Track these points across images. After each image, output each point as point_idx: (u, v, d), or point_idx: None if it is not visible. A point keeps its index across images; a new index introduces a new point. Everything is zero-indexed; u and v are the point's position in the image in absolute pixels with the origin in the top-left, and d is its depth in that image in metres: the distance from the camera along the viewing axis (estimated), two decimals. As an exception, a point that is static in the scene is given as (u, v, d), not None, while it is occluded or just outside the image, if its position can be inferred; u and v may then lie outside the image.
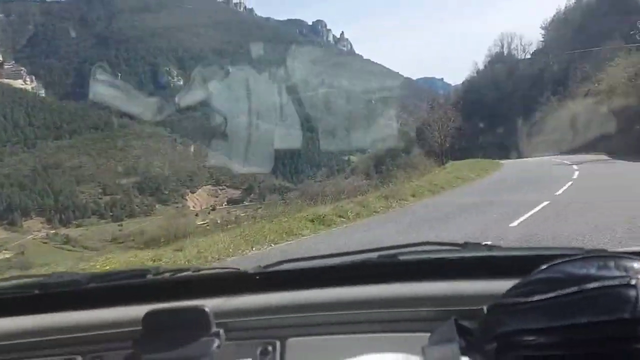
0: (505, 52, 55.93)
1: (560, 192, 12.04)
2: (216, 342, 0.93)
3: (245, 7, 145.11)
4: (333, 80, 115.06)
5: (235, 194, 78.67)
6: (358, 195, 15.60)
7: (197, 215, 58.92)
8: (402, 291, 1.00)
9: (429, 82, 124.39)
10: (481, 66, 59.37)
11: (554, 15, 51.24)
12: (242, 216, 31.01)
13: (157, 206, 72.83)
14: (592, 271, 0.64)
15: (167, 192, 75.49)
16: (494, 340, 0.68)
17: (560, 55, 35.76)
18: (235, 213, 48.92)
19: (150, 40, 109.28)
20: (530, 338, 0.64)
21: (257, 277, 1.12)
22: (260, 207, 37.89)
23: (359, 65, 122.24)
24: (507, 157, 29.84)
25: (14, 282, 1.31)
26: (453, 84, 70.33)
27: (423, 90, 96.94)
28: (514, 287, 0.72)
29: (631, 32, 25.18)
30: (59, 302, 1.14)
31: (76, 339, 1.05)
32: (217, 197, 78.08)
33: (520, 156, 29.37)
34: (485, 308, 0.73)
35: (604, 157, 22.87)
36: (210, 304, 0.98)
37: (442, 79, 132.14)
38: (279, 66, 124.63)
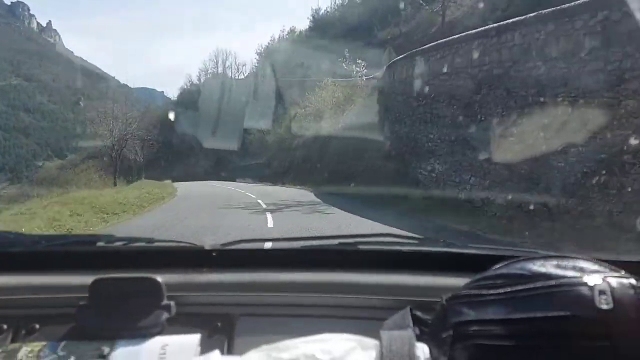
0: (220, 69, 55.32)
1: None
2: (165, 315, 0.88)
3: None
4: (31, 73, 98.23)
5: None
6: None
7: None
8: (359, 279, 0.99)
9: (148, 92, 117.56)
10: (195, 80, 57.59)
11: (269, 43, 52.98)
12: None
13: None
14: (551, 269, 0.67)
15: None
16: (450, 329, 0.69)
17: (271, 81, 35.89)
18: None
19: None
20: (487, 328, 0.66)
21: (214, 254, 1.08)
22: None
23: (67, 61, 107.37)
24: (222, 178, 27.33)
25: None
26: (173, 98, 66.70)
27: (140, 101, 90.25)
28: (474, 280, 0.73)
29: (339, 60, 26.01)
30: None
31: (5, 302, 0.97)
32: None
33: (223, 178, 27.11)
34: (443, 298, 0.73)
35: (310, 194, 17.41)
36: (163, 276, 0.93)
37: (162, 91, 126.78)
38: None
